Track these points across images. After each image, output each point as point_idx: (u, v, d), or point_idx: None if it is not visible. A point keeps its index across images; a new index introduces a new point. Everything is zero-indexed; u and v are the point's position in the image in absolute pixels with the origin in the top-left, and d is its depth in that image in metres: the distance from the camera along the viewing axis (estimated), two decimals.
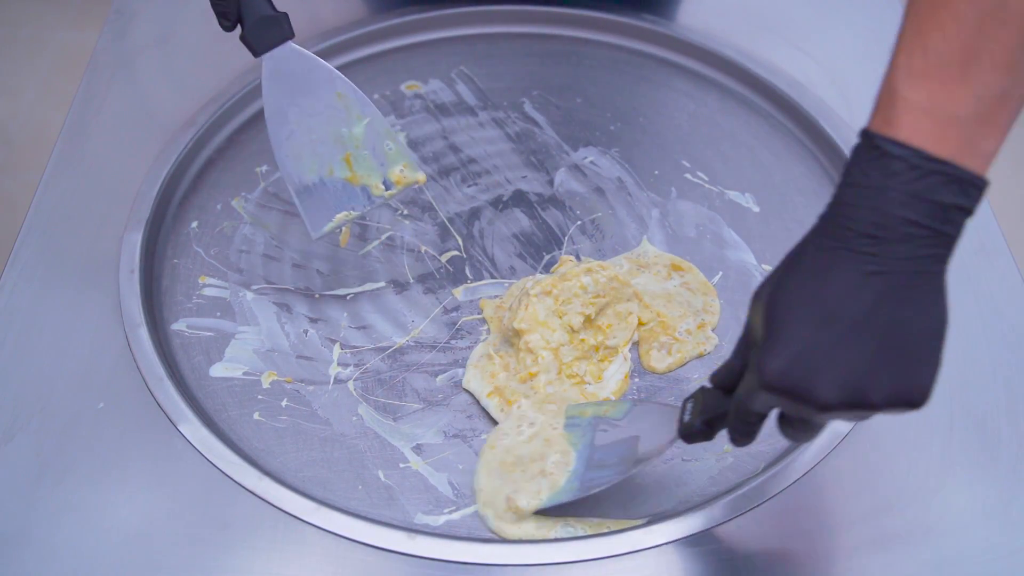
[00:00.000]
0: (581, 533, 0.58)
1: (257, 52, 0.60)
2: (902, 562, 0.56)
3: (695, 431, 0.52)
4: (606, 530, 0.58)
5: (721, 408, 0.51)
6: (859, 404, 0.42)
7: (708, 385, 0.52)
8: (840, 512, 0.58)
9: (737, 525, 0.57)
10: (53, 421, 0.61)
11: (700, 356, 0.68)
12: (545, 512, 0.58)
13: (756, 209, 0.78)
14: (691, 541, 0.57)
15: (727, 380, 0.50)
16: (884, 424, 0.62)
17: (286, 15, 0.61)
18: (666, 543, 0.56)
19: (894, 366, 0.42)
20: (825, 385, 0.41)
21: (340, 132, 0.62)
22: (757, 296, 0.46)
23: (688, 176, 0.80)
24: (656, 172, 0.80)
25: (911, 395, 0.43)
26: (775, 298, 0.44)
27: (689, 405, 0.53)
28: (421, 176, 0.66)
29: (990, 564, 0.56)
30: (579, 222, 0.77)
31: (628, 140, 0.83)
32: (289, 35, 0.61)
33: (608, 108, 0.86)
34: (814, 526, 0.57)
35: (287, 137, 0.61)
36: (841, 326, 0.42)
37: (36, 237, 0.72)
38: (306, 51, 0.61)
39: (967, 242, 0.72)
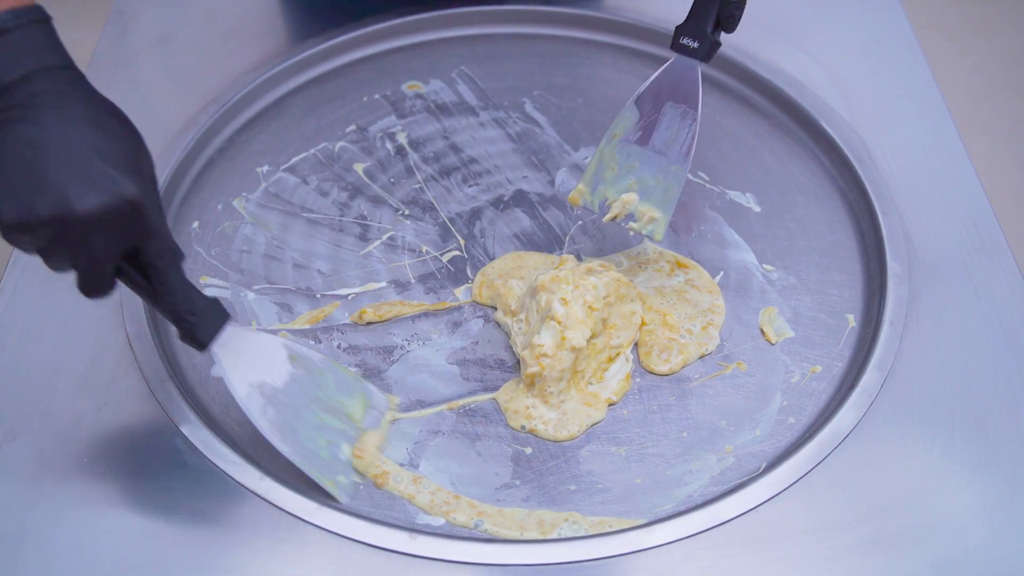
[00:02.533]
0: (582, 533, 0.58)
1: (204, 344, 0.56)
2: (902, 562, 0.56)
3: (714, 42, 0.68)
4: (607, 529, 0.58)
5: (712, 9, 0.66)
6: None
7: (680, 23, 0.67)
8: (840, 512, 0.58)
9: (737, 525, 0.57)
10: (54, 421, 0.61)
11: (702, 357, 0.68)
12: (547, 509, 0.59)
13: (757, 209, 0.78)
14: (691, 541, 0.57)
15: None
16: (884, 424, 0.62)
17: (216, 300, 0.58)
18: (666, 543, 0.56)
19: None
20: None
21: (316, 397, 0.61)
22: None
23: (689, 176, 0.80)
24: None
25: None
26: None
27: (686, 40, 0.67)
28: (395, 398, 0.65)
29: (990, 564, 0.56)
30: (580, 222, 0.77)
31: None
32: (226, 317, 0.58)
33: (609, 108, 0.86)
34: (814, 526, 0.57)
35: (271, 421, 0.58)
36: None
37: None
38: (245, 329, 0.59)
39: (967, 242, 0.73)
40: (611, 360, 0.67)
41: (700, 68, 0.67)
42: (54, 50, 0.51)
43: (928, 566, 0.56)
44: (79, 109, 0.49)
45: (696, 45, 0.66)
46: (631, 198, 0.69)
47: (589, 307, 0.64)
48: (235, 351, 0.58)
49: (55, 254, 0.49)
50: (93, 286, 0.51)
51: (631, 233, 0.72)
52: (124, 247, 0.51)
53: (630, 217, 0.70)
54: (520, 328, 0.67)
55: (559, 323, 0.63)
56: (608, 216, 0.70)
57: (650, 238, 0.70)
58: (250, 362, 0.58)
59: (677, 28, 0.67)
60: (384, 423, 0.63)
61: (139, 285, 0.54)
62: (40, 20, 0.50)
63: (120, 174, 0.48)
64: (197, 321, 0.55)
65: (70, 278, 0.50)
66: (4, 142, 0.47)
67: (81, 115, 0.49)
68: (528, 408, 0.64)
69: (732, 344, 0.69)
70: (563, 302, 0.63)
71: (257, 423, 0.58)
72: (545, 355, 0.63)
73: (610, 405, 0.65)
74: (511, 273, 0.72)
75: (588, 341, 0.64)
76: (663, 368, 0.67)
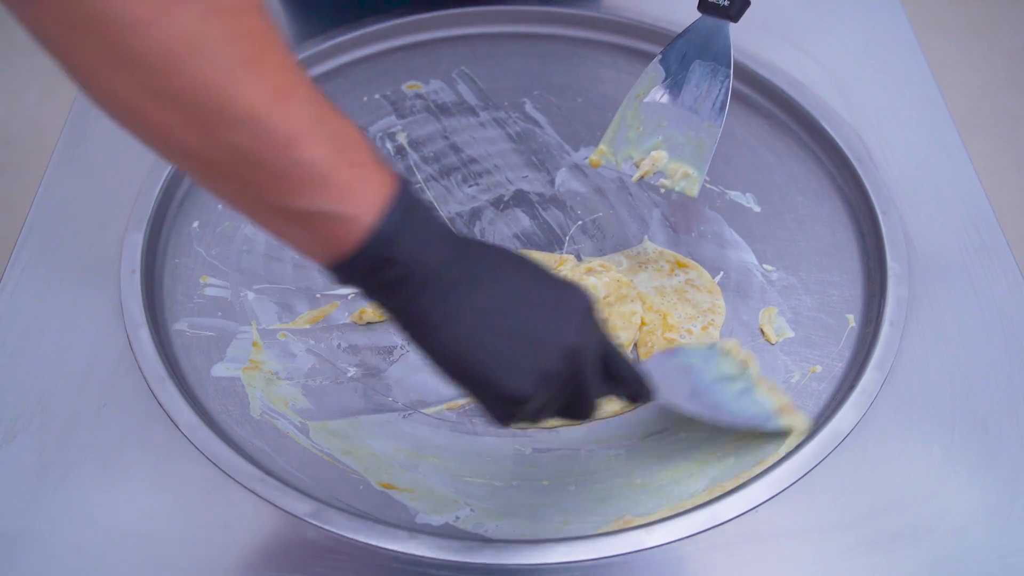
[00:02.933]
0: (582, 533, 0.58)
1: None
2: (902, 562, 0.56)
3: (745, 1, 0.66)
4: (607, 529, 0.58)
5: None
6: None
7: None
8: (840, 512, 0.58)
9: (737, 525, 0.57)
10: (54, 421, 0.61)
11: None
12: (546, 512, 0.59)
13: (757, 209, 0.78)
14: (691, 541, 0.57)
15: None
16: (884, 424, 0.62)
17: None
18: (666, 543, 0.57)
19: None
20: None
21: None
22: None
23: None
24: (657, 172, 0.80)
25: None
26: None
27: None
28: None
29: (990, 564, 0.56)
30: (580, 222, 0.77)
31: None
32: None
33: (609, 108, 0.85)
34: (814, 526, 0.57)
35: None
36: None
37: (37, 237, 0.72)
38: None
39: (967, 242, 0.73)
40: None
41: (730, 28, 0.65)
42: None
43: (928, 566, 0.56)
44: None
45: (727, 3, 0.65)
46: (660, 155, 0.68)
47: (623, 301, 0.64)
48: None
49: (558, 399, 0.48)
50: (587, 411, 0.50)
51: (662, 191, 0.70)
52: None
53: (660, 175, 0.69)
54: None
55: None
56: (637, 175, 0.69)
57: (684, 193, 0.68)
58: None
59: None
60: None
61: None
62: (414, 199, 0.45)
63: (576, 294, 0.48)
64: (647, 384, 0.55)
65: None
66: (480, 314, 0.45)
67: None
68: None
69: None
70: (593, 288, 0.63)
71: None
72: None
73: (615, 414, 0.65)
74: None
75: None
76: None
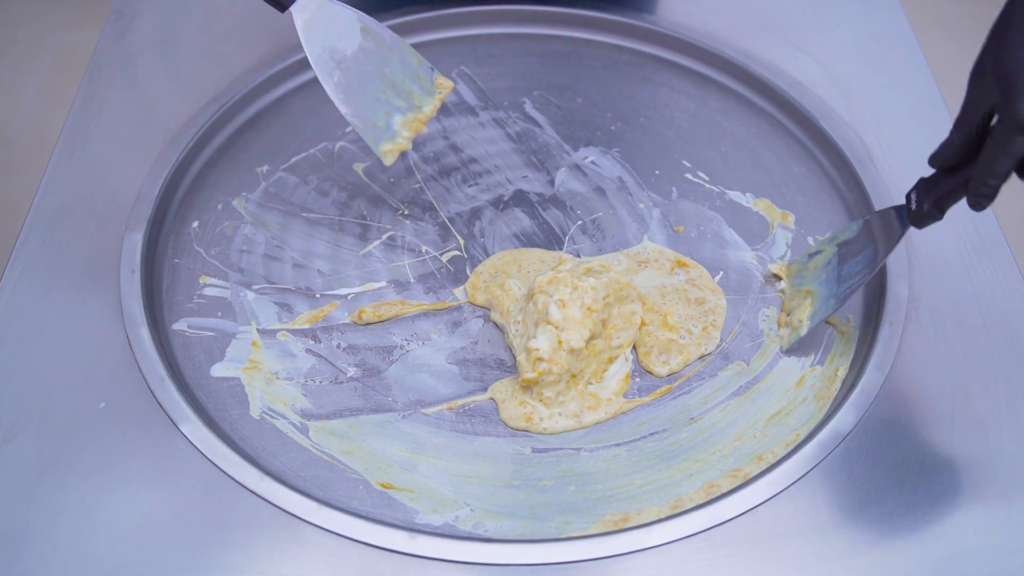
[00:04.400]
0: (582, 532, 0.58)
1: (285, 6, 0.63)
2: (902, 562, 0.56)
3: (925, 214, 0.60)
4: (607, 529, 0.58)
5: (946, 188, 0.58)
6: None
7: (926, 176, 0.59)
8: (840, 512, 0.58)
9: (737, 525, 0.57)
10: (54, 421, 0.61)
11: (701, 357, 0.68)
12: (547, 510, 0.59)
13: (757, 209, 0.78)
14: (691, 541, 0.57)
15: (948, 160, 0.57)
16: (884, 424, 0.62)
17: None
18: (666, 543, 0.56)
19: None
20: None
21: (382, 71, 0.67)
22: (982, 69, 0.52)
23: (689, 176, 0.80)
24: (657, 172, 0.81)
25: None
26: (1009, 58, 0.50)
27: (914, 196, 0.61)
28: (449, 82, 0.72)
29: (990, 564, 0.56)
30: (580, 222, 0.77)
31: (629, 140, 0.83)
32: None
33: (609, 108, 0.86)
34: (814, 525, 0.57)
35: (337, 83, 0.66)
36: None
37: (37, 237, 0.72)
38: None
39: (967, 241, 0.73)
40: (611, 360, 0.67)
41: (901, 226, 0.63)
42: None
43: (928, 566, 0.56)
44: None
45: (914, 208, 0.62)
46: (807, 304, 0.69)
47: (588, 308, 0.64)
48: (312, 15, 0.64)
49: None
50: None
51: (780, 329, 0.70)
52: None
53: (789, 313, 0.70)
54: (517, 330, 0.67)
55: (555, 327, 0.63)
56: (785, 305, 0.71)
57: (778, 340, 0.69)
58: (325, 27, 0.64)
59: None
60: (436, 101, 0.70)
61: None
62: None
63: None
64: None
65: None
66: None
67: None
68: (527, 412, 0.64)
69: (732, 344, 0.69)
70: (560, 304, 0.64)
71: (324, 83, 0.65)
72: (541, 359, 0.63)
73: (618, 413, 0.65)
74: (505, 270, 0.72)
75: (587, 343, 0.64)
76: (663, 370, 0.67)
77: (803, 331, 0.67)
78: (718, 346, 0.69)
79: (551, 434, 0.64)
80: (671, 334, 0.68)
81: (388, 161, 0.69)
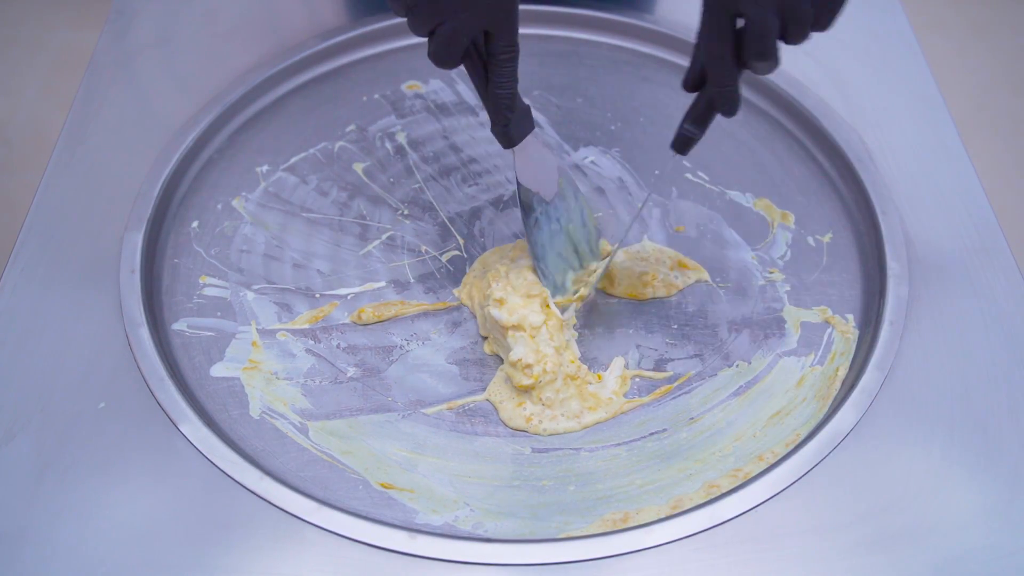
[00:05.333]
0: (582, 533, 0.58)
1: (514, 142, 0.64)
2: (902, 562, 0.56)
3: (685, 134, 0.61)
4: (607, 529, 0.58)
5: (698, 102, 0.60)
6: None
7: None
8: (840, 512, 0.58)
9: (737, 525, 0.57)
10: (54, 421, 0.61)
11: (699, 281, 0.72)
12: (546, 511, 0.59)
13: (757, 209, 0.78)
14: (691, 541, 0.57)
15: (691, 81, 0.59)
16: (884, 424, 0.62)
17: (529, 107, 0.65)
18: (666, 543, 0.56)
19: None
20: None
21: (568, 227, 0.69)
22: None
23: (688, 176, 0.80)
24: (657, 172, 0.81)
25: None
26: None
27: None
28: (609, 247, 0.74)
29: (990, 564, 0.56)
30: None
31: (629, 140, 0.83)
32: (533, 126, 0.65)
33: (608, 108, 0.86)
34: (814, 526, 0.57)
35: (535, 228, 0.68)
36: None
37: (36, 237, 0.72)
38: (539, 140, 0.66)
39: (967, 242, 0.73)
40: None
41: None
42: None
43: (928, 566, 0.56)
44: None
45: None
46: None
47: (527, 295, 0.65)
48: (527, 157, 0.65)
49: (425, 13, 0.54)
50: (445, 56, 0.56)
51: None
52: (483, 25, 0.56)
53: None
54: (495, 339, 0.67)
55: (523, 330, 0.64)
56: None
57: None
58: (534, 169, 0.66)
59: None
60: (595, 268, 0.71)
61: (477, 72, 0.60)
62: None
63: None
64: (513, 119, 0.62)
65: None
66: None
67: None
68: (526, 413, 0.64)
69: (732, 344, 0.69)
70: (499, 304, 0.64)
71: (526, 226, 0.67)
72: (529, 366, 0.63)
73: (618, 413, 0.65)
74: (493, 266, 0.73)
75: (549, 309, 0.65)
76: (647, 292, 0.71)
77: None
78: (722, 350, 0.69)
79: (551, 435, 0.64)
80: (646, 278, 0.72)
81: (557, 313, 0.67)
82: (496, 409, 0.65)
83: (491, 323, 0.66)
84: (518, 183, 0.66)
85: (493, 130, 0.63)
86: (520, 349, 0.64)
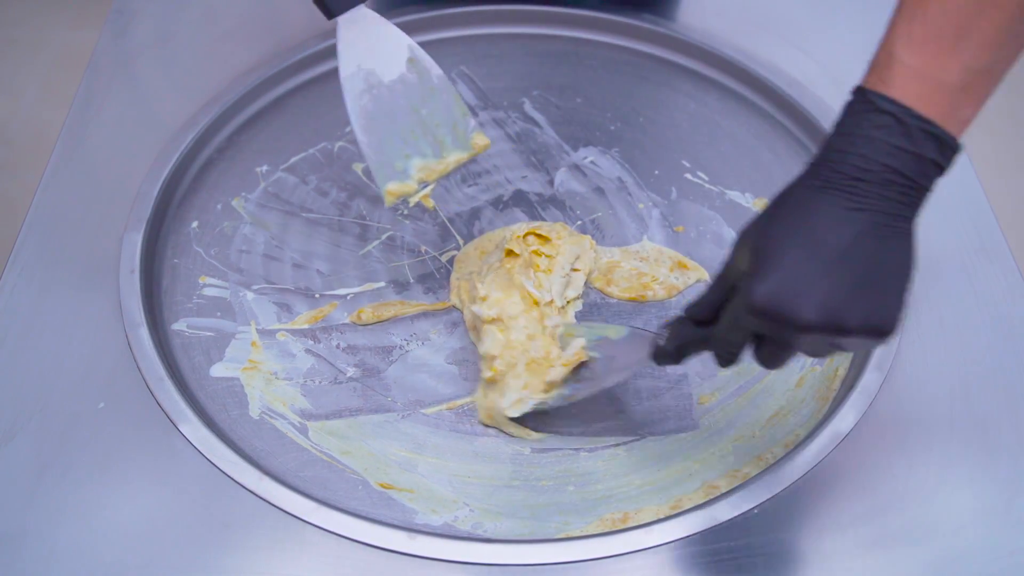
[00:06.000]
0: (582, 533, 0.58)
1: (333, 13, 0.58)
2: (902, 562, 0.56)
3: (667, 353, 0.56)
4: (607, 529, 0.58)
5: (692, 337, 0.55)
6: (835, 327, 0.46)
7: (683, 315, 0.56)
8: (840, 512, 0.58)
9: (737, 525, 0.57)
10: (53, 421, 0.61)
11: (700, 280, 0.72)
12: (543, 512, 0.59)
13: (757, 209, 0.78)
14: (691, 541, 0.57)
15: (701, 313, 0.54)
16: (884, 424, 0.62)
17: None
18: (666, 543, 0.56)
19: (869, 295, 0.46)
20: (807, 307, 0.45)
21: (418, 109, 0.61)
22: (745, 234, 0.50)
23: (688, 176, 0.80)
24: (656, 172, 0.81)
25: (882, 323, 0.46)
26: (764, 231, 0.48)
27: (666, 333, 0.57)
28: (486, 140, 0.66)
29: (990, 564, 0.56)
30: (579, 222, 0.77)
31: (628, 140, 0.83)
32: None
33: (608, 108, 0.86)
34: (814, 526, 0.57)
35: (363, 108, 0.60)
36: (824, 256, 0.46)
37: (36, 237, 0.72)
38: (378, 15, 0.59)
39: (967, 241, 0.73)
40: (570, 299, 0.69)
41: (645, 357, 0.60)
42: None
43: (928, 566, 0.56)
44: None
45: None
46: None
47: (509, 285, 0.65)
48: (358, 31, 0.58)
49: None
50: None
51: None
52: None
53: None
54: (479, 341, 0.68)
55: (501, 322, 0.64)
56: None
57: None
58: (369, 46, 0.59)
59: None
60: (464, 156, 0.64)
61: None
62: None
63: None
64: None
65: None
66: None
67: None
68: (488, 405, 0.64)
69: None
70: (483, 300, 0.64)
71: (349, 106, 0.59)
72: (493, 357, 0.63)
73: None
74: (469, 260, 0.73)
75: (529, 315, 0.65)
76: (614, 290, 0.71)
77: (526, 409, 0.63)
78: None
79: (515, 435, 0.64)
80: (645, 279, 0.72)
81: (388, 202, 0.64)
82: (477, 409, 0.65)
83: (475, 320, 0.66)
84: (339, 63, 0.59)
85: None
86: (487, 341, 0.64)
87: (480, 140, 0.66)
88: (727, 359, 0.54)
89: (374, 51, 0.59)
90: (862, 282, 0.46)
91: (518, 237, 0.68)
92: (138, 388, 0.63)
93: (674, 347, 0.56)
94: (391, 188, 0.62)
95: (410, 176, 0.63)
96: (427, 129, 0.62)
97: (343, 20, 0.58)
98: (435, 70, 0.62)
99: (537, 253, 0.69)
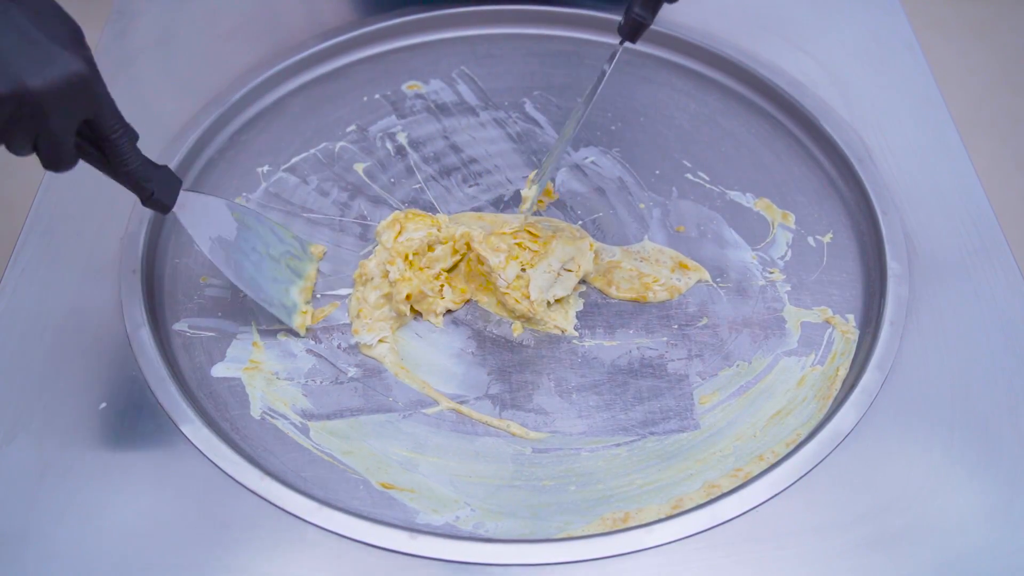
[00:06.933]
0: (582, 532, 0.58)
1: (167, 208, 0.62)
2: (902, 562, 0.56)
3: (634, 20, 0.64)
4: (606, 529, 0.58)
5: None
6: None
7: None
8: (840, 512, 0.58)
9: (737, 525, 0.57)
10: (54, 421, 0.61)
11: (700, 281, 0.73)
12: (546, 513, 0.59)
13: (757, 209, 0.78)
14: (691, 541, 0.57)
15: None
16: (884, 424, 0.62)
17: (167, 166, 0.62)
18: (666, 543, 0.57)
19: None
20: None
21: (266, 251, 0.68)
22: None
23: (689, 176, 0.80)
24: (657, 172, 0.81)
25: None
26: None
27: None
28: (322, 247, 0.74)
29: (990, 564, 0.56)
30: (580, 222, 0.77)
31: (629, 140, 0.83)
32: (180, 181, 0.63)
33: (609, 108, 0.86)
34: (814, 526, 0.57)
35: (235, 271, 0.66)
36: None
37: (37, 237, 0.72)
38: (191, 192, 0.64)
39: (967, 242, 0.73)
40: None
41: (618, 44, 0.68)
42: None
43: (928, 566, 0.56)
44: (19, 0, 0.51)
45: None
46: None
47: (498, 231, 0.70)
48: (192, 211, 0.64)
49: (17, 133, 0.51)
50: (57, 160, 0.55)
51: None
52: (78, 119, 0.53)
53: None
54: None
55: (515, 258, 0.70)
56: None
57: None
58: (205, 219, 0.65)
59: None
60: (314, 267, 0.72)
61: (96, 159, 0.58)
62: None
63: (66, 51, 0.50)
64: (156, 187, 0.60)
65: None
66: None
67: (22, 4, 0.50)
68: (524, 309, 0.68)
69: (733, 344, 0.69)
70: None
71: (226, 273, 0.65)
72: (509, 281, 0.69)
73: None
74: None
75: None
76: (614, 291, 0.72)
77: (534, 189, 0.70)
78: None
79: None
80: (647, 280, 0.72)
81: (303, 331, 0.68)
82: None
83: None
84: (196, 242, 0.65)
85: (145, 205, 0.61)
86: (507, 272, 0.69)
87: (316, 249, 0.73)
88: None
89: (210, 221, 0.65)
90: None
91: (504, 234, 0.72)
92: (139, 388, 0.63)
93: (639, 6, 0.63)
94: (298, 321, 0.68)
95: (298, 304, 0.69)
96: (279, 262, 0.69)
97: (177, 209, 0.63)
98: (250, 212, 0.68)
99: (521, 246, 0.71)
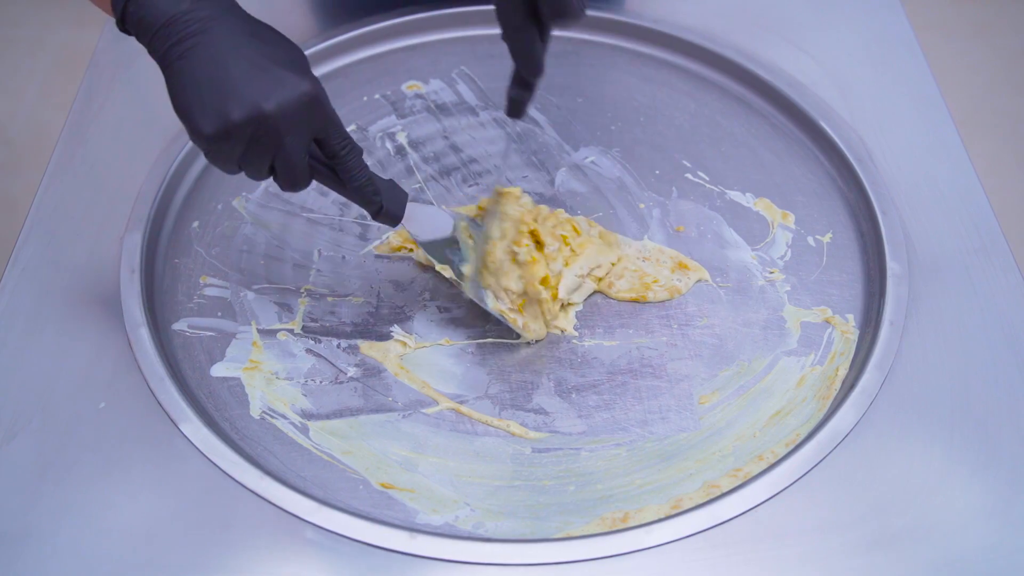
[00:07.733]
0: (582, 532, 0.58)
1: (399, 219, 0.64)
2: (902, 562, 0.56)
3: (513, 99, 0.64)
4: (606, 529, 0.58)
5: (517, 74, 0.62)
6: None
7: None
8: (840, 512, 0.58)
9: (737, 525, 0.57)
10: (54, 421, 0.61)
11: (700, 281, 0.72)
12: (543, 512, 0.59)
13: (757, 209, 0.78)
14: (691, 541, 0.57)
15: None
16: (884, 424, 0.62)
17: (392, 180, 0.64)
18: (666, 543, 0.57)
19: None
20: None
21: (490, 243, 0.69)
22: None
23: (689, 176, 0.80)
24: (657, 172, 0.81)
25: None
26: None
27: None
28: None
29: (990, 564, 0.56)
30: None
31: (629, 140, 0.83)
32: (406, 193, 0.64)
33: (609, 108, 0.86)
34: (814, 526, 0.57)
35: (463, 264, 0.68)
36: None
37: (37, 237, 0.72)
38: (416, 203, 0.65)
39: (967, 242, 0.73)
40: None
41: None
42: None
43: (928, 566, 0.56)
44: (243, 26, 0.54)
45: None
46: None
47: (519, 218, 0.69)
48: (418, 223, 0.65)
49: (255, 158, 0.54)
50: (294, 180, 0.57)
51: None
52: (310, 137, 0.56)
53: None
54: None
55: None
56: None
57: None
58: (431, 229, 0.67)
59: None
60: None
61: (326, 176, 0.59)
62: None
63: (294, 74, 0.53)
64: (385, 200, 0.62)
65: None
66: (190, 64, 0.52)
67: (246, 30, 0.54)
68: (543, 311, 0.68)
69: (733, 344, 0.69)
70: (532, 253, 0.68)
71: (457, 274, 0.67)
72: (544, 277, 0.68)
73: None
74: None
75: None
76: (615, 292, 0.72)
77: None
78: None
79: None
80: (647, 280, 0.72)
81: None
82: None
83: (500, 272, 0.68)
84: (423, 247, 0.66)
85: (375, 219, 0.63)
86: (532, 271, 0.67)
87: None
88: (530, 56, 0.60)
89: (435, 230, 0.67)
90: None
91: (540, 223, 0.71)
92: (139, 388, 0.63)
93: (513, 85, 0.63)
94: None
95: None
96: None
97: (405, 221, 0.64)
98: (471, 222, 0.69)
99: (565, 240, 0.71)
